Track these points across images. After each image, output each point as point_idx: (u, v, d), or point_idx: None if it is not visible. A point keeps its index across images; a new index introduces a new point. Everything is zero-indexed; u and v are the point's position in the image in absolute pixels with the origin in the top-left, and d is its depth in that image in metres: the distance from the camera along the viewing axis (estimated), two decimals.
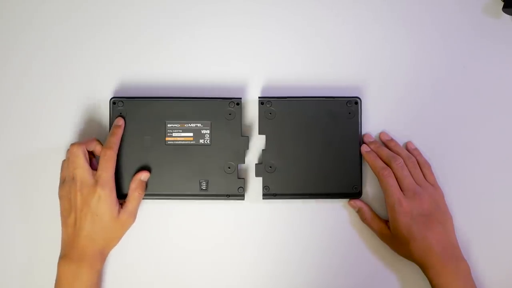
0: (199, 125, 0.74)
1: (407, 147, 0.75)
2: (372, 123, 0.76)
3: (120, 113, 0.74)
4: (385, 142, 0.75)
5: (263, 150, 0.74)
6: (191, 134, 0.74)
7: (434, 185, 0.73)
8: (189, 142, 0.74)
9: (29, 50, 0.77)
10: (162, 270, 0.74)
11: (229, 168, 0.73)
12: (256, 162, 0.75)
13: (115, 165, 0.71)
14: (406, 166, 0.72)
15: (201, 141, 0.73)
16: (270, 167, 0.74)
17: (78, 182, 0.69)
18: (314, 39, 0.77)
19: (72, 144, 0.71)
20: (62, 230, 0.70)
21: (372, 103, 0.76)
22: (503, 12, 0.76)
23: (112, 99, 0.74)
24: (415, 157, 0.74)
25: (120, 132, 0.73)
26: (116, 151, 0.71)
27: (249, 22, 0.77)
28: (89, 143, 0.71)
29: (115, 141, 0.72)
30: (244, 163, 0.74)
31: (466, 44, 0.77)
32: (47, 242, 0.74)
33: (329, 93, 0.75)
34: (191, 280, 0.75)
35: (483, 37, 0.77)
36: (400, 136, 0.76)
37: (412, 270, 0.73)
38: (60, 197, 0.71)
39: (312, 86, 0.76)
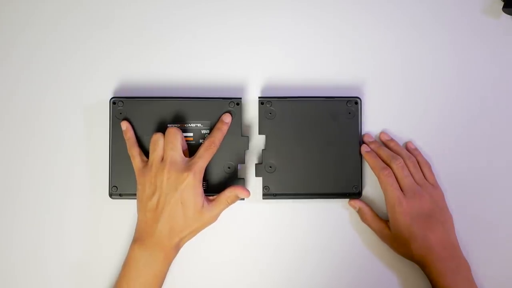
0: (199, 125, 0.74)
1: (407, 147, 0.75)
2: (372, 123, 0.76)
3: (120, 113, 0.74)
4: (385, 142, 0.75)
5: (263, 150, 0.74)
6: (191, 134, 0.74)
7: (434, 185, 0.73)
8: (189, 142, 0.74)
9: (28, 50, 0.77)
10: None
11: (229, 168, 0.73)
12: (256, 162, 0.75)
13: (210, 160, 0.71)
14: (406, 166, 0.72)
15: (201, 141, 0.73)
16: (270, 167, 0.74)
17: (168, 164, 0.68)
18: (314, 39, 0.77)
19: (171, 127, 0.70)
20: (138, 216, 0.69)
21: (372, 103, 0.76)
22: (503, 12, 0.76)
23: (112, 99, 0.74)
24: (415, 157, 0.74)
25: (226, 129, 0.73)
26: (218, 147, 0.71)
27: (249, 22, 0.77)
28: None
29: (221, 137, 0.72)
30: (244, 163, 0.74)
31: (466, 44, 0.77)
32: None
33: (329, 93, 0.75)
34: (190, 280, 0.74)
35: (483, 37, 0.77)
36: (400, 136, 0.76)
37: (412, 270, 0.73)
38: (142, 182, 0.69)
39: (312, 86, 0.76)
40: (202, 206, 0.69)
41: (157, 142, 0.69)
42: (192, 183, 0.68)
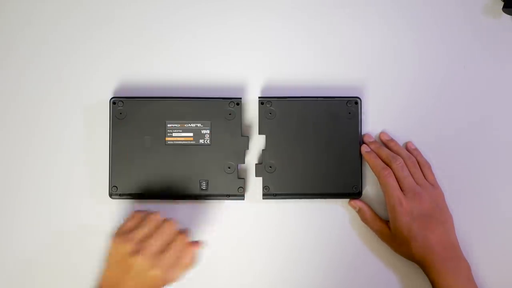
0: (199, 125, 0.74)
1: (407, 147, 0.75)
2: (372, 123, 0.76)
3: (120, 113, 0.74)
4: (385, 142, 0.75)
5: (263, 150, 0.74)
6: (191, 134, 0.74)
7: (434, 185, 0.73)
8: (189, 142, 0.74)
9: (28, 50, 0.77)
10: None
11: (229, 168, 0.73)
12: (256, 162, 0.75)
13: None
14: (406, 166, 0.72)
15: (201, 141, 0.73)
16: (270, 167, 0.74)
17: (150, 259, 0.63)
18: (314, 39, 0.77)
19: (170, 219, 0.66)
20: (103, 273, 0.65)
21: (372, 103, 0.76)
22: (503, 12, 0.76)
23: (112, 99, 0.74)
24: (415, 157, 0.74)
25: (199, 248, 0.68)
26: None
27: (249, 23, 0.77)
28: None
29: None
30: (244, 163, 0.74)
31: (466, 44, 0.77)
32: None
33: (329, 93, 0.75)
34: (190, 280, 0.74)
35: (483, 37, 0.77)
36: (400, 136, 0.76)
37: (412, 270, 0.73)
38: (116, 243, 0.64)
39: (312, 86, 0.76)
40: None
41: (152, 222, 0.65)
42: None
